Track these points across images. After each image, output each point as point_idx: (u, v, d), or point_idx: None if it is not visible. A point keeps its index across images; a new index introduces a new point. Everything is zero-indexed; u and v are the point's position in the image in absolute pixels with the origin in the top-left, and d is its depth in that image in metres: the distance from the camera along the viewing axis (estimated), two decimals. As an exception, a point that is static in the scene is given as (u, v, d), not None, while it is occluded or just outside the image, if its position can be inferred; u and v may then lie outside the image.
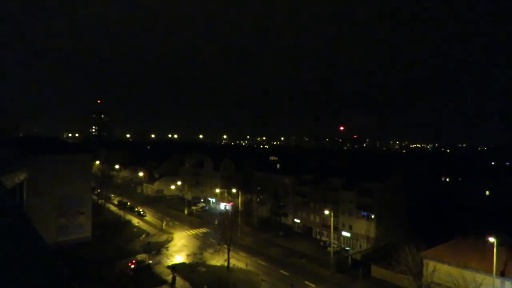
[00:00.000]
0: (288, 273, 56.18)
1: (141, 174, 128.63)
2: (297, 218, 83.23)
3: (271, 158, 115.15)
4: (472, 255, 44.26)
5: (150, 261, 59.33)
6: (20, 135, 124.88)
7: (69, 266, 6.08)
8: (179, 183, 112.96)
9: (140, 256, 60.70)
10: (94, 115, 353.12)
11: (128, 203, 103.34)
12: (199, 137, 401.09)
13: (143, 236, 74.93)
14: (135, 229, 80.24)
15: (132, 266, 54.86)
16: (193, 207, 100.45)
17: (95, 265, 52.01)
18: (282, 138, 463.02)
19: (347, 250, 68.65)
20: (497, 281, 40.41)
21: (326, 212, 67.57)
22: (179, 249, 67.26)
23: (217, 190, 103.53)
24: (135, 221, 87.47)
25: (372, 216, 67.09)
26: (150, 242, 69.98)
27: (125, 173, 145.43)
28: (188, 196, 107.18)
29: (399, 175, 74.45)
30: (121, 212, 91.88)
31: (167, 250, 66.85)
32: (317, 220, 77.62)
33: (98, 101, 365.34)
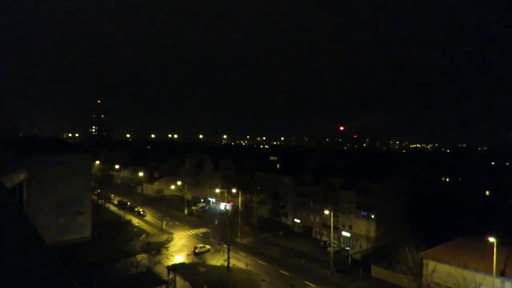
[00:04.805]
0: (288, 273, 56.24)
1: (141, 174, 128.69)
2: (297, 218, 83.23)
3: (271, 158, 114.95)
4: (472, 255, 44.28)
5: (210, 246, 65.55)
6: (20, 135, 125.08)
7: (69, 266, 6.07)
8: (179, 183, 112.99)
9: (140, 256, 60.67)
10: (94, 115, 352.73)
11: (128, 203, 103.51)
12: (199, 137, 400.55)
13: (143, 236, 74.99)
14: (135, 229, 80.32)
15: (196, 250, 64.30)
16: (193, 207, 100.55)
17: (95, 265, 52.07)
18: (282, 138, 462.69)
19: (347, 250, 68.69)
20: (497, 281, 40.44)
21: (326, 212, 67.63)
22: (179, 249, 67.31)
23: (217, 190, 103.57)
24: (135, 221, 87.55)
25: (372, 216, 67.14)
26: (150, 242, 70.02)
27: (125, 173, 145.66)
28: (188, 196, 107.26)
29: (399, 175, 74.44)
30: (121, 212, 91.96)
31: (167, 250, 66.91)
32: (317, 220, 77.65)
33: (98, 101, 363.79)
